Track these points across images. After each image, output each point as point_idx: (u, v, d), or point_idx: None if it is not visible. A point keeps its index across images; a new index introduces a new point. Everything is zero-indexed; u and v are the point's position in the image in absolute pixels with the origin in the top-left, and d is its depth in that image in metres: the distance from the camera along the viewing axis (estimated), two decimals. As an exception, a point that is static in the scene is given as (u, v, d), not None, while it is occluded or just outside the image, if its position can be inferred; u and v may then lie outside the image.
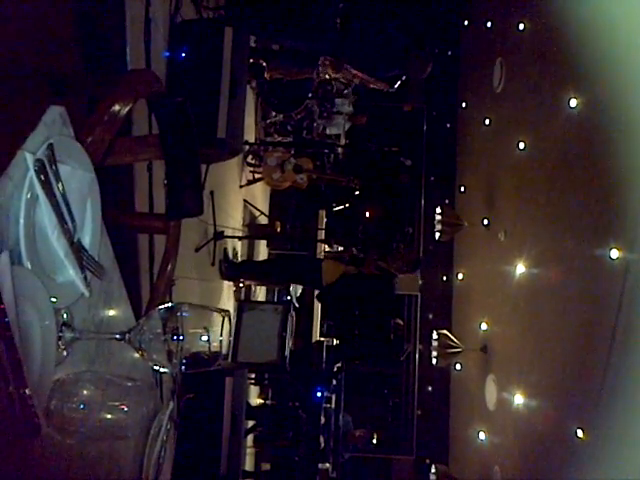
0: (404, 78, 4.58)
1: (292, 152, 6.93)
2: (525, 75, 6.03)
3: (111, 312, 1.31)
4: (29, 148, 1.01)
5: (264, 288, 7.63)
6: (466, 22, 8.60)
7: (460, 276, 8.10)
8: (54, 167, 1.05)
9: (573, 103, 4.67)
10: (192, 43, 3.77)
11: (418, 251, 8.46)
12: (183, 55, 3.74)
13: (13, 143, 1.01)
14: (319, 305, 9.07)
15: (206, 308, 1.11)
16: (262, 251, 7.77)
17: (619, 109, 4.05)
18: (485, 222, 6.87)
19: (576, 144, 4.80)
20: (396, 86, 4.66)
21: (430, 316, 8.83)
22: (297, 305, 6.58)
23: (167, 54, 3.78)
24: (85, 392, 1.02)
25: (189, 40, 3.79)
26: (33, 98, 2.20)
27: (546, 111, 5.35)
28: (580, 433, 4.15)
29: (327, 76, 5.33)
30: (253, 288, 6.97)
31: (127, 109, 1.75)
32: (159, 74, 2.28)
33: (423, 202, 9.23)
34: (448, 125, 9.04)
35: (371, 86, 4.83)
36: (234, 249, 6.04)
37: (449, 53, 8.88)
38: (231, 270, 5.66)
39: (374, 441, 8.09)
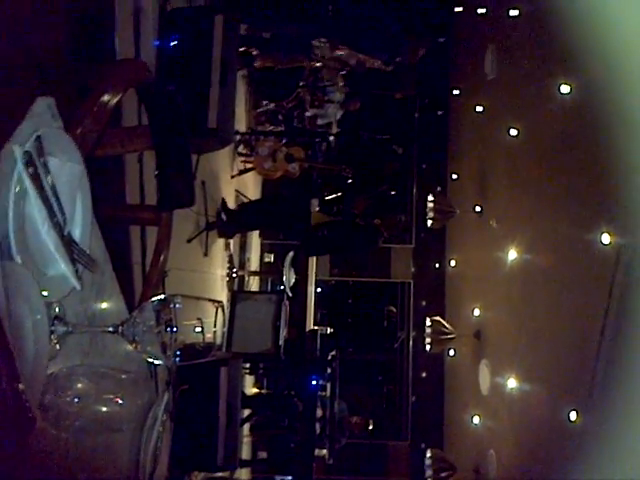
0: (399, 59, 4.56)
1: (284, 141, 6.89)
2: (517, 62, 6.02)
3: (104, 305, 1.30)
4: (17, 140, 1.00)
5: (257, 278, 7.63)
6: (458, 8, 8.56)
7: (452, 263, 8.13)
8: (43, 160, 1.04)
9: (565, 89, 4.66)
10: (182, 32, 3.73)
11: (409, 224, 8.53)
12: (173, 44, 3.70)
13: (0, 136, 1.00)
14: (312, 293, 9.08)
15: (199, 299, 1.11)
16: (255, 242, 7.76)
17: (611, 95, 4.05)
18: (477, 209, 6.88)
19: (568, 130, 4.81)
20: (390, 67, 4.64)
21: (423, 303, 8.87)
22: (290, 294, 6.59)
23: (157, 43, 3.74)
24: (79, 385, 1.02)
25: (179, 29, 3.75)
26: (21, 89, 2.18)
27: (538, 97, 5.35)
28: (573, 416, 4.19)
29: (324, 57, 5.27)
30: (247, 278, 6.97)
31: (116, 99, 1.73)
32: (149, 63, 2.26)
33: (415, 189, 9.23)
34: (440, 112, 9.02)
35: (367, 65, 4.79)
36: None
37: (441, 40, 8.82)
38: (228, 217, 5.61)
39: (370, 427, 8.15)
